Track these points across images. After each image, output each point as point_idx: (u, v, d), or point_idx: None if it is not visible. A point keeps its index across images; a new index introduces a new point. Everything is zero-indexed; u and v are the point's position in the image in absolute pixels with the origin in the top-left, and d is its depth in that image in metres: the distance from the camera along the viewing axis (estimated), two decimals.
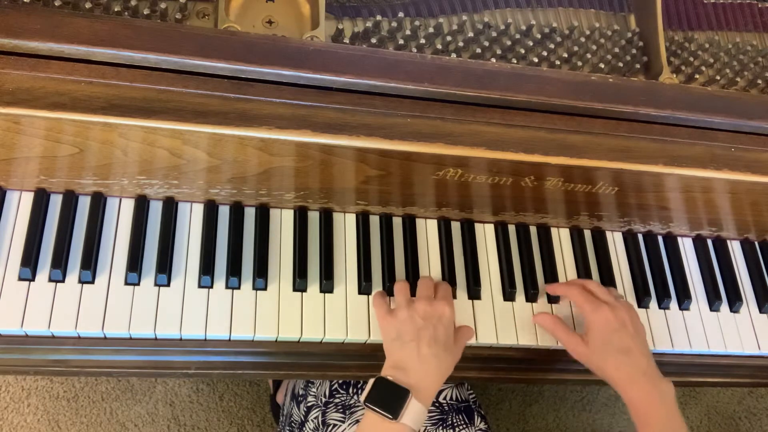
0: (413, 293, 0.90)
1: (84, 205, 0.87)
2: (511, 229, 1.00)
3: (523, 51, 0.94)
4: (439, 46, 0.91)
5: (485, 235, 0.99)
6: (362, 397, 0.78)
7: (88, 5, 0.81)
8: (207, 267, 0.87)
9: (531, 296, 0.96)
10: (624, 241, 1.04)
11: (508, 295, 0.95)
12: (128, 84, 0.74)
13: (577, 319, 0.96)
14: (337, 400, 0.99)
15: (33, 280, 0.82)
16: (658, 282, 1.01)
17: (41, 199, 0.85)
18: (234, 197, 0.90)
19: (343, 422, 0.96)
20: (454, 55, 0.91)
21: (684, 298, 1.01)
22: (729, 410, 1.80)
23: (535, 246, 1.00)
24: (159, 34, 0.75)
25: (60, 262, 0.83)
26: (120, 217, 0.88)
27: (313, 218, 0.94)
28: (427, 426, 0.98)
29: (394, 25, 0.91)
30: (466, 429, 0.99)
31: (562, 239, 1.02)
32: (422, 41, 0.91)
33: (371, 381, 0.78)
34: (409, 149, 0.81)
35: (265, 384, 1.59)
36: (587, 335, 0.88)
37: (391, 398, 0.76)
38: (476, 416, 1.01)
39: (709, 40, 1.03)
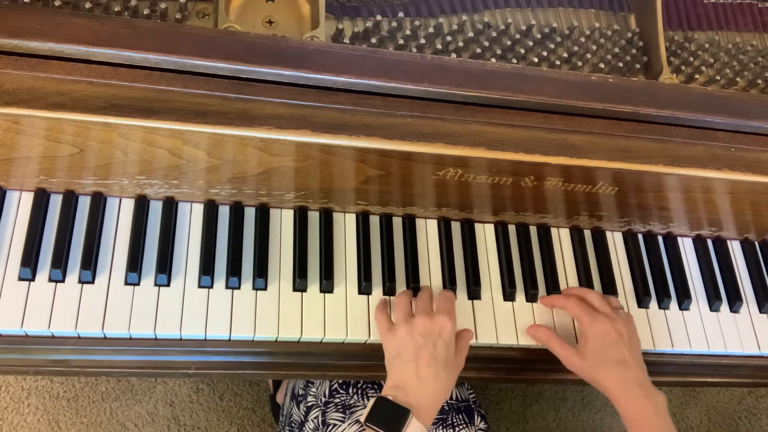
0: (415, 295, 0.90)
1: (84, 205, 0.87)
2: (511, 229, 1.00)
3: (523, 51, 0.94)
4: (439, 46, 0.91)
5: (485, 235, 0.99)
6: (363, 417, 0.77)
7: (88, 5, 0.81)
8: (207, 267, 0.87)
9: (531, 296, 0.96)
10: (624, 241, 1.04)
11: (508, 295, 0.95)
12: (128, 84, 0.75)
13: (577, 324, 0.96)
14: (336, 400, 0.99)
15: (33, 280, 0.82)
16: (658, 282, 1.01)
17: (41, 199, 0.85)
18: (234, 197, 0.90)
19: (343, 422, 0.96)
20: (454, 55, 0.91)
21: (684, 298, 1.01)
22: (729, 410, 1.80)
23: (535, 246, 1.00)
24: (159, 34, 0.75)
25: (60, 262, 0.83)
26: (120, 217, 0.88)
27: (313, 218, 0.94)
28: None
29: (394, 25, 0.91)
30: (466, 429, 0.99)
31: (562, 239, 1.02)
32: (422, 41, 0.91)
33: (372, 400, 0.78)
34: (409, 149, 0.81)
35: (265, 384, 1.59)
36: (583, 346, 0.87)
37: (391, 418, 0.76)
38: (476, 416, 1.01)
39: (709, 40, 1.03)
